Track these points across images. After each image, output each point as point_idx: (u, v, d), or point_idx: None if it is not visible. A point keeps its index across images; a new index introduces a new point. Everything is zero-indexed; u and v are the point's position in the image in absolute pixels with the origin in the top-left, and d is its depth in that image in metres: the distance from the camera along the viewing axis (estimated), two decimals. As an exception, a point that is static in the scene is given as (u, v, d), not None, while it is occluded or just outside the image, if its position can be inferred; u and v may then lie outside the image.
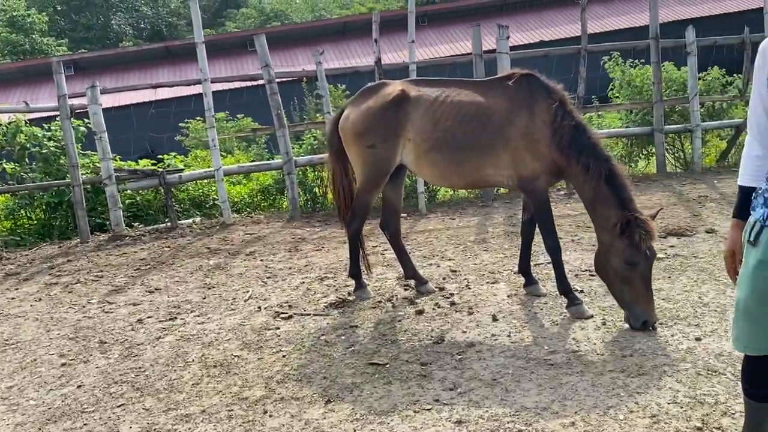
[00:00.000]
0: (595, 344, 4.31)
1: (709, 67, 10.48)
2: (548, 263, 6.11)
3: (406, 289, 5.64)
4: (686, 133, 10.03)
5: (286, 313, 5.27)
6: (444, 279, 5.87)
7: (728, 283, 5.21)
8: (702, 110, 9.87)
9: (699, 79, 9.90)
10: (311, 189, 9.20)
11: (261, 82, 9.09)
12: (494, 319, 4.84)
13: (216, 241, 7.95)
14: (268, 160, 18.25)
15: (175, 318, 5.40)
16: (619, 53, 10.29)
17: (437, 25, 28.34)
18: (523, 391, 3.71)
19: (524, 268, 5.29)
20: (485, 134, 4.70)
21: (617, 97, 10.55)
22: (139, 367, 4.46)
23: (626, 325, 4.53)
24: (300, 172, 9.28)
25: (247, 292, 5.92)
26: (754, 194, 2.44)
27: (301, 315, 5.22)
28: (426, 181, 8.73)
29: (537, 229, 5.26)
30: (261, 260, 6.91)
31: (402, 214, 8.27)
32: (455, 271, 6.07)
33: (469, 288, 5.57)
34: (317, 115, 9.96)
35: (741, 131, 9.80)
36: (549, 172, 4.68)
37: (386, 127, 4.93)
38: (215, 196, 9.18)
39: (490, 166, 4.77)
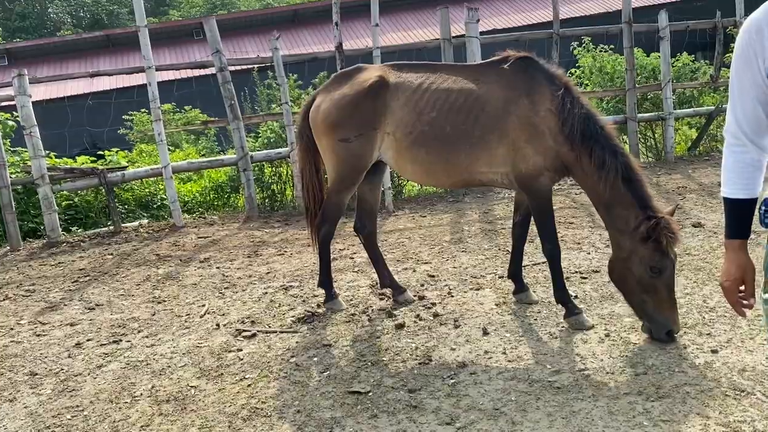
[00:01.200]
0: (602, 360, 3.84)
1: (678, 53, 10.21)
2: (534, 265, 5.67)
3: (381, 299, 5.08)
4: (657, 122, 9.73)
5: (249, 330, 4.64)
6: (422, 286, 5.32)
7: (731, 283, 4.84)
8: (672, 97, 9.57)
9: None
10: (269, 186, 8.52)
11: (211, 70, 8.34)
12: (485, 332, 4.33)
13: (165, 247, 7.20)
14: (218, 154, 17.40)
15: (120, 340, 4.71)
16: (589, 38, 9.91)
17: (388, 13, 27.63)
18: (532, 423, 3.21)
19: (514, 273, 4.80)
20: (477, 127, 4.16)
21: (587, 84, 10.18)
22: (77, 406, 3.77)
23: (632, 337, 4.10)
24: (256, 168, 8.57)
25: (203, 306, 5.25)
26: (765, 207, 2.00)
27: (266, 333, 4.60)
28: (398, 177, 8.18)
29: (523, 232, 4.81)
30: (217, 268, 6.22)
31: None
32: (433, 276, 5.54)
33: (452, 296, 5.05)
34: (273, 106, 9.25)
35: (713, 119, 9.56)
36: (553, 168, 4.16)
37: (362, 119, 4.34)
38: (163, 196, 8.39)
39: (482, 163, 4.23)
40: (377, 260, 4.97)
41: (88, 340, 4.77)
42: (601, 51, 10.01)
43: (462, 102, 4.20)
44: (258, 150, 8.56)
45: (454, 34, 8.22)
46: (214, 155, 14.32)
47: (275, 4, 46.49)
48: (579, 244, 6.18)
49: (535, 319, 4.51)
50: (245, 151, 7.91)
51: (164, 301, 5.48)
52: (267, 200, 8.54)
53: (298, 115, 4.88)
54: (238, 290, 5.56)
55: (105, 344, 4.66)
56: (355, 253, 6.33)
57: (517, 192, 4.59)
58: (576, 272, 5.43)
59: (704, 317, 4.30)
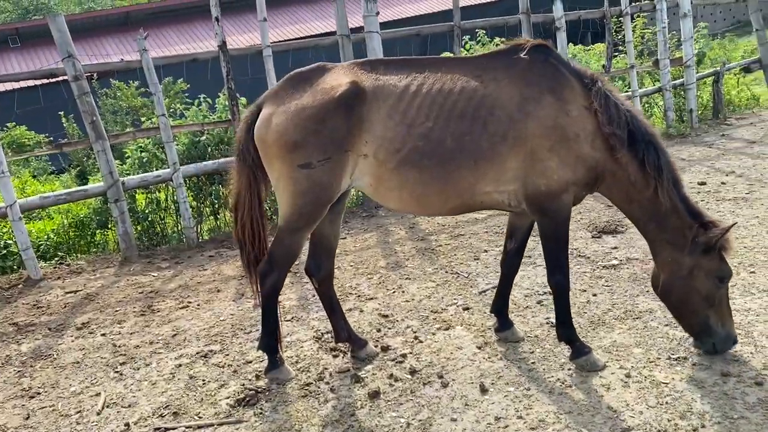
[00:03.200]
0: (641, 413, 3.18)
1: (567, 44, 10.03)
2: (493, 288, 4.93)
3: (335, 356, 4.09)
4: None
5: (174, 428, 3.45)
6: (379, 331, 4.39)
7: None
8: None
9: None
10: (146, 217, 7.07)
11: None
12: (483, 389, 3.53)
13: (24, 311, 5.56)
14: (50, 175, 15.02)
15: (-16, 469, 3.31)
16: (484, 31, 9.43)
17: (275, 5, 25.75)
18: None
19: (500, 309, 4.03)
20: (485, 136, 3.32)
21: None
22: None
23: (656, 374, 3.51)
24: (127, 196, 7.05)
25: (98, 395, 3.93)
26: None
27: (199, 428, 3.43)
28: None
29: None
30: (103, 335, 4.81)
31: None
32: (387, 315, 4.62)
33: (420, 341, 4.17)
34: (144, 120, 7.76)
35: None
36: (583, 182, 3.46)
37: (330, 139, 3.32)
38: (9, 240, 6.63)
39: (489, 181, 3.39)
40: (334, 309, 3.96)
41: (-68, 476, 3.31)
42: (495, 45, 9.55)
43: (464, 105, 3.33)
44: (127, 174, 7.06)
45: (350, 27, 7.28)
46: (50, 184, 12.25)
47: (97, 7, 42.63)
48: (529, 257, 5.53)
49: (533, 363, 3.76)
50: (115, 177, 6.42)
51: (39, 393, 4.06)
52: (144, 235, 7.09)
53: (238, 129, 3.70)
54: (141, 365, 4.26)
55: (-39, 480, 3.24)
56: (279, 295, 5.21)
57: (516, 214, 3.80)
58: (545, 293, 4.77)
59: (719, 337, 3.76)
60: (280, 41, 8.22)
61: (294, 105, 3.36)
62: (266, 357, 3.87)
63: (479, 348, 4.00)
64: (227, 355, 4.27)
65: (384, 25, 7.82)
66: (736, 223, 3.55)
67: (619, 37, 10.33)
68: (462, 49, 8.20)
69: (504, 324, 4.04)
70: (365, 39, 7.18)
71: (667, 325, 4.04)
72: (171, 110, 8.00)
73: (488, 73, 3.40)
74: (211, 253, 6.58)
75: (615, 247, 5.53)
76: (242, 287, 5.47)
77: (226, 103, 7.52)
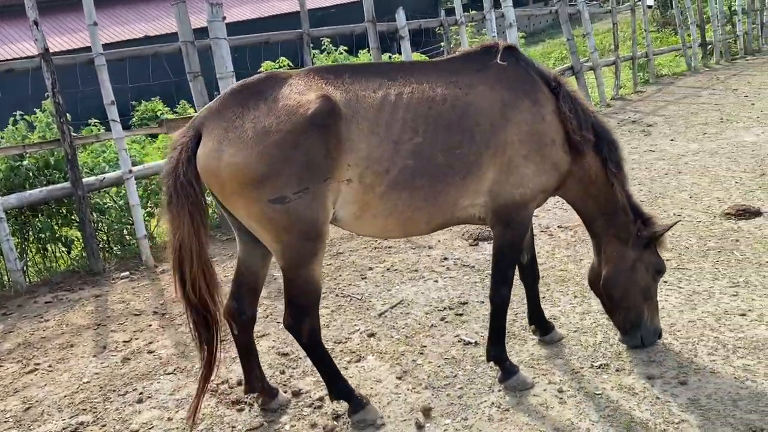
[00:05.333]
0: (589, 429, 3.12)
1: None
2: (392, 309, 4.68)
3: (240, 410, 3.59)
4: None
5: None
6: (283, 373, 3.93)
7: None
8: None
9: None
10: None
11: None
12: (419, 426, 3.29)
13: None
14: None
15: None
16: (330, 40, 9.13)
17: (100, 7, 22.74)
18: None
19: (536, 318, 3.96)
20: (473, 147, 3.09)
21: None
22: None
23: (584, 384, 3.51)
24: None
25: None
26: None
27: None
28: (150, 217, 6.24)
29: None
30: (-77, 421, 3.77)
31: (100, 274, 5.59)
32: (286, 354, 4.16)
33: (333, 378, 3.77)
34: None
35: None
36: (553, 188, 3.38)
37: (306, 166, 2.81)
38: None
39: (469, 194, 3.17)
40: (250, 358, 3.42)
41: None
42: (340, 53, 9.30)
43: (450, 115, 3.06)
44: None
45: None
46: None
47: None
48: (416, 271, 5.38)
49: (460, 388, 3.57)
50: None
51: None
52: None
53: (171, 159, 2.95)
54: (-13, 455, 3.38)
55: None
56: (151, 342, 4.49)
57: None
58: (445, 308, 4.62)
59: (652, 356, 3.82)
60: (110, 42, 7.24)
61: (252, 129, 2.78)
62: (349, 401, 3.26)
63: (399, 378, 3.71)
64: (104, 425, 3.53)
65: (121, 43, 7.12)
66: (681, 219, 3.71)
67: (452, 45, 10.68)
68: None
69: (545, 330, 3.91)
70: (211, 45, 6.56)
71: (576, 331, 4.06)
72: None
73: (463, 78, 3.18)
74: (47, 299, 5.55)
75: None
76: (101, 338, 4.65)
77: (49, 120, 6.47)
